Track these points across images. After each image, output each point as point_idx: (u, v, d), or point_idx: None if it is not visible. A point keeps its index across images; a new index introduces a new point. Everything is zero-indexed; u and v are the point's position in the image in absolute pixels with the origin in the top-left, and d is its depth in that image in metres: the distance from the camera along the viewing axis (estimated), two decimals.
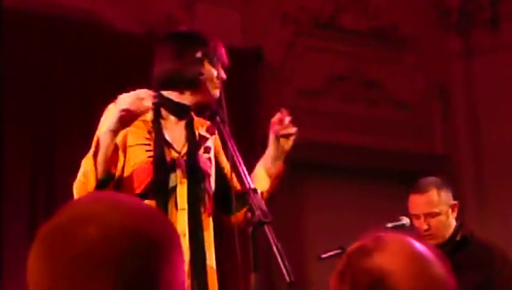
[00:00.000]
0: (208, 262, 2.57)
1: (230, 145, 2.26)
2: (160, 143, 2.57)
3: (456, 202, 3.56)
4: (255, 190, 2.09)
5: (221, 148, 2.77)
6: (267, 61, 5.79)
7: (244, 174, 2.15)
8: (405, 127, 6.42)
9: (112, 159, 2.47)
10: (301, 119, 5.90)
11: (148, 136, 2.58)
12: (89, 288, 0.95)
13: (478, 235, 3.64)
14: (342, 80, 6.21)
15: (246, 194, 2.11)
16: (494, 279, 3.41)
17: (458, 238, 3.53)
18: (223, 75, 2.66)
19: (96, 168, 2.43)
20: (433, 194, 3.54)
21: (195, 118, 2.74)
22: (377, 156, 6.17)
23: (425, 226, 3.48)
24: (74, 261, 0.95)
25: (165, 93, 2.65)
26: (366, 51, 6.32)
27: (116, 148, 2.50)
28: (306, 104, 5.99)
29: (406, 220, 3.46)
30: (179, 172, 2.55)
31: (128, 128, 2.53)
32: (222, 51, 2.72)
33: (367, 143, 6.15)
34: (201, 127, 2.74)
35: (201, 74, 2.62)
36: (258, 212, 2.01)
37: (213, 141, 2.74)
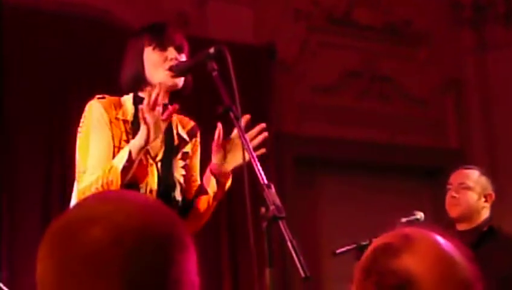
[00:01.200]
0: None
1: (243, 141, 2.25)
2: None
3: (492, 192, 3.63)
4: (268, 185, 2.08)
5: (196, 154, 2.69)
6: (280, 58, 5.79)
7: (258, 170, 2.14)
8: (419, 122, 6.41)
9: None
10: (315, 115, 5.96)
11: (125, 138, 2.54)
12: (96, 287, 0.94)
13: (505, 230, 3.74)
14: (355, 75, 6.20)
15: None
16: None
17: (485, 229, 3.60)
18: (173, 55, 2.55)
19: (121, 183, 2.43)
20: (474, 172, 3.70)
21: (177, 117, 2.67)
22: (390, 151, 6.17)
23: (453, 193, 3.57)
24: (81, 261, 0.95)
25: (140, 93, 2.61)
26: (380, 46, 6.31)
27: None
28: (320, 100, 5.99)
29: (420, 215, 3.48)
30: (149, 180, 2.53)
31: (110, 126, 2.53)
32: (170, 31, 2.60)
33: (381, 138, 6.14)
34: (183, 127, 2.67)
35: (142, 68, 2.57)
36: (272, 208, 2.00)
37: (192, 145, 2.68)
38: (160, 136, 2.55)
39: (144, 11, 5.13)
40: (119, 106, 2.60)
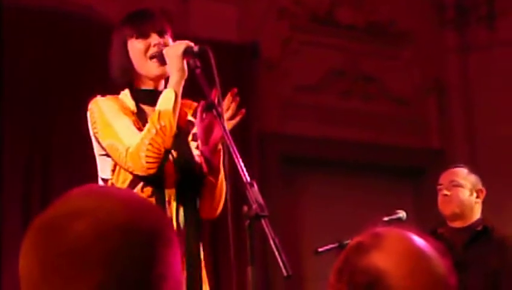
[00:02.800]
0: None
1: (226, 139, 2.25)
2: None
3: (483, 188, 3.67)
4: (251, 184, 2.08)
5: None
6: (263, 56, 5.78)
7: (241, 168, 2.14)
8: (401, 121, 6.43)
9: None
10: (298, 114, 5.96)
11: (137, 126, 2.50)
12: (80, 283, 0.94)
13: (499, 230, 3.76)
14: (338, 74, 6.21)
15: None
16: (507, 270, 3.48)
17: (480, 228, 3.65)
18: (157, 41, 2.53)
19: (175, 125, 2.39)
20: (463, 170, 3.77)
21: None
22: (373, 150, 6.18)
23: (445, 191, 3.61)
24: (66, 256, 0.95)
25: (135, 85, 2.59)
26: (363, 46, 6.32)
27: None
28: (303, 99, 6.00)
29: (402, 214, 3.50)
30: (166, 166, 2.46)
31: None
32: (149, 17, 2.59)
33: (363, 138, 6.15)
34: (186, 110, 2.64)
35: (129, 61, 2.55)
36: (254, 206, 2.00)
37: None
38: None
39: (126, 7, 5.10)
40: (117, 100, 2.59)
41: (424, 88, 6.58)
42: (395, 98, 6.44)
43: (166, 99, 2.41)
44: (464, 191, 3.68)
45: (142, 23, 2.57)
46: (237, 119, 2.49)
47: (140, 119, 2.53)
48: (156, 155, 2.38)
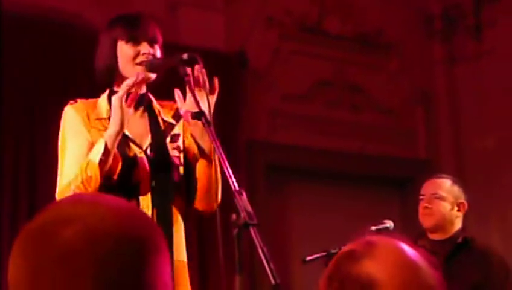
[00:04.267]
0: (177, 258, 2.54)
1: (215, 146, 2.25)
2: (120, 141, 2.48)
3: (464, 201, 3.64)
4: (240, 192, 2.08)
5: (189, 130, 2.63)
6: (251, 66, 5.79)
7: (230, 176, 2.13)
8: (388, 132, 6.45)
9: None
10: (285, 123, 5.96)
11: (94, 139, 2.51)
12: (70, 289, 0.94)
13: (479, 241, 3.74)
14: (326, 84, 6.22)
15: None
16: (490, 281, 3.47)
17: (460, 240, 3.62)
18: (146, 50, 2.54)
19: (101, 177, 2.39)
20: (446, 181, 3.71)
21: (158, 104, 2.65)
22: (360, 160, 6.20)
23: (426, 204, 3.59)
24: (55, 263, 0.95)
25: (115, 87, 2.59)
26: (351, 56, 6.34)
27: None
28: (290, 109, 6.00)
29: (389, 223, 3.49)
30: (140, 169, 2.50)
31: (87, 126, 2.51)
32: (143, 24, 2.59)
33: (351, 148, 6.17)
34: (167, 112, 2.65)
35: (115, 62, 2.56)
36: (243, 214, 2.00)
37: (181, 126, 2.64)
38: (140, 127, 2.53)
39: (114, 15, 5.10)
40: (94, 107, 2.59)
41: (411, 98, 6.61)
42: (383, 109, 6.46)
43: (96, 151, 2.42)
44: (445, 204, 3.64)
45: (135, 29, 2.58)
46: (216, 92, 2.48)
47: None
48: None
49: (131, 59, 2.55)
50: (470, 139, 6.53)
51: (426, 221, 3.66)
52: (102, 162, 2.40)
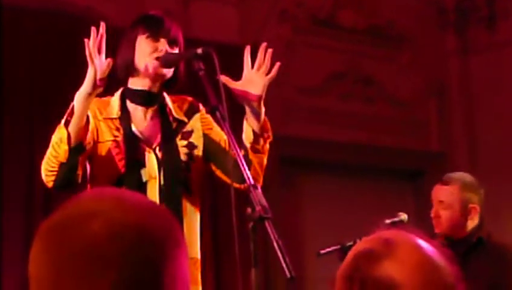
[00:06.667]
0: (189, 255, 2.55)
1: (230, 141, 2.26)
2: (128, 139, 2.52)
3: (475, 206, 3.54)
4: (255, 186, 2.09)
5: (212, 122, 2.65)
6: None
7: (245, 170, 2.15)
8: (402, 124, 6.43)
9: (86, 128, 2.41)
10: (299, 116, 5.96)
11: (116, 133, 2.53)
12: (93, 283, 0.95)
13: (495, 238, 3.65)
14: (339, 77, 6.22)
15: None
16: (506, 280, 3.43)
17: (474, 239, 3.54)
18: (164, 47, 2.56)
19: (69, 136, 2.36)
20: (453, 188, 3.56)
21: (170, 101, 2.65)
22: (373, 153, 6.19)
23: (433, 214, 3.54)
24: (78, 256, 0.96)
25: (129, 84, 2.61)
26: (364, 48, 6.33)
27: (88, 120, 2.44)
28: (303, 102, 6.00)
29: (404, 216, 3.47)
30: (148, 167, 2.51)
31: (97, 123, 2.51)
32: (166, 24, 2.61)
33: (364, 140, 6.16)
34: (179, 110, 2.65)
35: (132, 55, 2.58)
36: (258, 208, 2.01)
37: (197, 120, 2.65)
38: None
39: (127, 8, 5.11)
40: (106, 106, 2.60)
41: (425, 90, 6.59)
42: (396, 101, 6.44)
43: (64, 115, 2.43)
44: (453, 212, 3.53)
45: (157, 27, 2.60)
46: (274, 73, 2.52)
47: (122, 121, 2.55)
48: (50, 168, 2.42)
49: (148, 53, 2.57)
50: (483, 131, 6.50)
51: (436, 227, 3.59)
52: (67, 122, 2.38)
